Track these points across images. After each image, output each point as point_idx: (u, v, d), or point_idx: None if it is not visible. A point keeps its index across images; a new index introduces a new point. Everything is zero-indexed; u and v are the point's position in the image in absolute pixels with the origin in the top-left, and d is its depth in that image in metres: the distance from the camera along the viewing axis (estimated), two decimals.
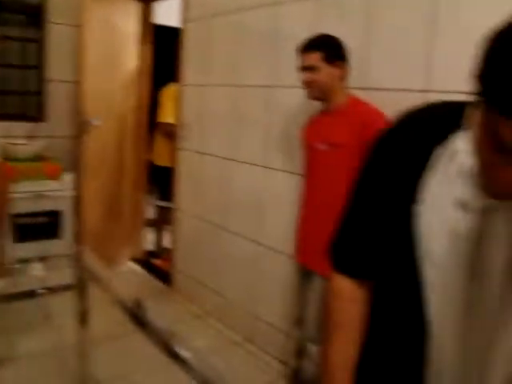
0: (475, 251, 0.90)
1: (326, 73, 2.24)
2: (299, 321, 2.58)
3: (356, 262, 1.08)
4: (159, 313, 1.69)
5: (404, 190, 0.94)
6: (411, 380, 1.01)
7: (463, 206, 0.89)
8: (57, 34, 4.28)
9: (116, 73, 4.29)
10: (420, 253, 0.93)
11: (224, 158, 3.42)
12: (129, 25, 4.37)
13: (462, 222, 0.89)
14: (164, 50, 4.77)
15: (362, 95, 2.33)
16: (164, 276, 4.28)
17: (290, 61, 2.66)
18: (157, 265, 4.67)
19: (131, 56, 4.43)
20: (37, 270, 1.85)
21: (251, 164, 3.18)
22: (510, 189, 0.76)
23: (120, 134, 4.43)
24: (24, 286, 2.18)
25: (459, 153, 0.89)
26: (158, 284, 4.27)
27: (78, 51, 4.04)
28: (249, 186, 3.22)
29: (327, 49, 2.24)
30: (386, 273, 1.04)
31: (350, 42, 2.33)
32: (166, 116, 4.32)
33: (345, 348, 1.06)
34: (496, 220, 0.88)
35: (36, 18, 4.23)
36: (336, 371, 1.06)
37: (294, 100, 2.82)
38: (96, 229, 4.18)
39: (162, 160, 4.48)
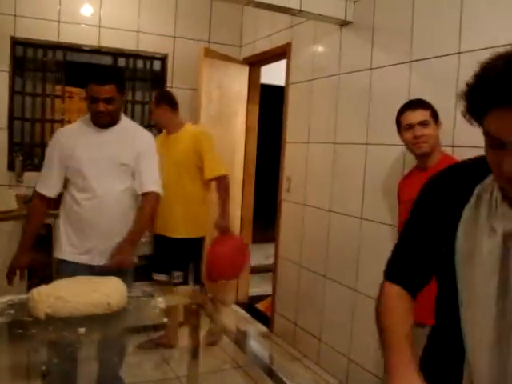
0: (503, 270, 1.07)
1: (433, 129, 2.42)
2: None
3: (405, 273, 1.31)
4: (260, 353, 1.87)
5: (450, 218, 1.16)
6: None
7: (492, 230, 1.08)
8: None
9: (226, 130, 4.67)
10: (458, 271, 1.13)
11: (323, 210, 3.66)
12: (238, 86, 4.79)
13: (493, 244, 1.07)
14: (268, 106, 5.16)
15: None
16: (265, 320, 4.53)
17: (385, 119, 2.90)
18: (259, 309, 4.93)
19: (240, 114, 4.84)
20: (160, 303, 2.13)
21: (349, 215, 3.40)
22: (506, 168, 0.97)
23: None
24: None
25: (491, 187, 1.10)
26: (259, 327, 4.50)
27: (194, 112, 4.49)
28: (347, 235, 3.42)
29: (431, 107, 2.44)
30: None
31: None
32: None
33: (400, 320, 1.25)
34: None
35: (158, 83, 4.81)
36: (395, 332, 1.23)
37: (389, 156, 3.03)
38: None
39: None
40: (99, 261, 2.62)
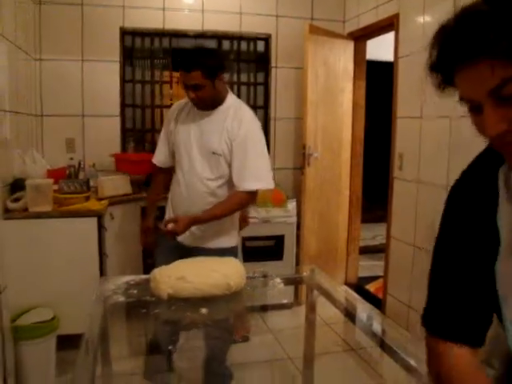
0: None
1: None
2: None
3: (458, 323, 1.00)
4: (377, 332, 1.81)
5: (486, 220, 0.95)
6: None
7: None
8: (279, 77, 4.80)
9: (332, 108, 4.58)
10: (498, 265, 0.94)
11: (440, 187, 3.47)
12: (344, 62, 4.66)
13: None
14: (374, 83, 4.99)
15: None
16: (376, 302, 4.42)
17: None
18: (369, 290, 4.83)
19: (346, 91, 4.71)
20: (278, 284, 2.11)
21: None
22: (486, 132, 0.84)
23: (337, 164, 4.71)
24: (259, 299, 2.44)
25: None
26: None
27: (301, 91, 4.43)
28: None
29: None
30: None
31: None
32: None
33: None
34: None
35: (262, 63, 4.79)
36: None
37: None
38: (313, 252, 4.48)
39: None
40: (187, 241, 2.59)
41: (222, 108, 2.52)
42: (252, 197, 2.51)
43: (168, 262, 1.99)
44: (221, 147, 2.45)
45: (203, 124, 2.51)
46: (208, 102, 2.48)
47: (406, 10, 3.85)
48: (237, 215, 2.71)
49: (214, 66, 2.43)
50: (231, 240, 2.68)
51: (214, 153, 2.47)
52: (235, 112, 2.50)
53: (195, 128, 2.53)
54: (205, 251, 2.50)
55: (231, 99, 2.57)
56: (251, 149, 2.46)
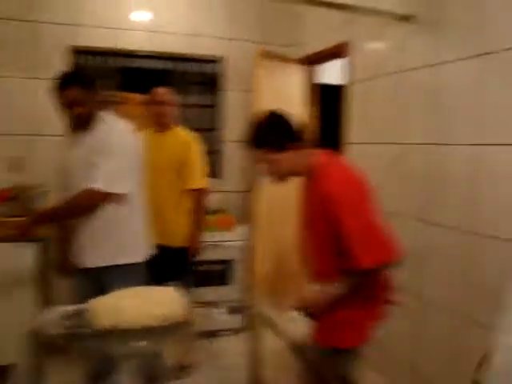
0: None
1: (277, 163, 2.18)
2: None
3: None
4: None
5: None
6: None
7: None
8: (230, 100, 4.80)
9: None
10: None
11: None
12: (295, 87, 4.69)
13: None
14: (326, 107, 5.03)
15: None
16: None
17: (454, 119, 2.77)
18: None
19: (298, 116, 4.72)
20: (221, 314, 2.08)
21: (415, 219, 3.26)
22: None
23: (289, 187, 4.65)
24: (205, 326, 2.39)
25: None
26: None
27: (250, 114, 4.41)
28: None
29: (270, 143, 2.16)
30: None
31: None
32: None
33: None
34: None
35: (213, 86, 4.78)
36: None
37: (454, 159, 2.87)
38: (264, 277, 4.43)
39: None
40: (91, 263, 2.64)
41: (95, 124, 2.63)
42: (97, 197, 2.53)
43: (87, 292, 2.07)
44: (91, 159, 2.54)
45: (86, 142, 2.61)
46: (88, 117, 2.59)
47: (356, 37, 3.93)
48: (141, 228, 2.76)
49: (89, 80, 2.61)
50: (135, 255, 2.70)
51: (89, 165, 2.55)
52: (103, 124, 2.62)
53: (79, 150, 2.63)
54: (110, 269, 2.59)
55: (103, 113, 2.68)
56: (104, 154, 2.53)
